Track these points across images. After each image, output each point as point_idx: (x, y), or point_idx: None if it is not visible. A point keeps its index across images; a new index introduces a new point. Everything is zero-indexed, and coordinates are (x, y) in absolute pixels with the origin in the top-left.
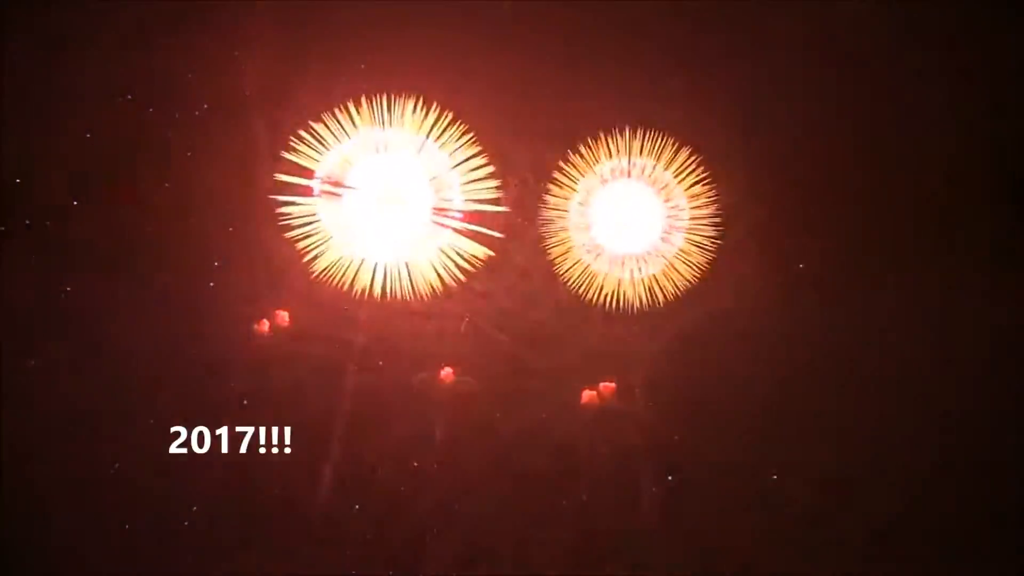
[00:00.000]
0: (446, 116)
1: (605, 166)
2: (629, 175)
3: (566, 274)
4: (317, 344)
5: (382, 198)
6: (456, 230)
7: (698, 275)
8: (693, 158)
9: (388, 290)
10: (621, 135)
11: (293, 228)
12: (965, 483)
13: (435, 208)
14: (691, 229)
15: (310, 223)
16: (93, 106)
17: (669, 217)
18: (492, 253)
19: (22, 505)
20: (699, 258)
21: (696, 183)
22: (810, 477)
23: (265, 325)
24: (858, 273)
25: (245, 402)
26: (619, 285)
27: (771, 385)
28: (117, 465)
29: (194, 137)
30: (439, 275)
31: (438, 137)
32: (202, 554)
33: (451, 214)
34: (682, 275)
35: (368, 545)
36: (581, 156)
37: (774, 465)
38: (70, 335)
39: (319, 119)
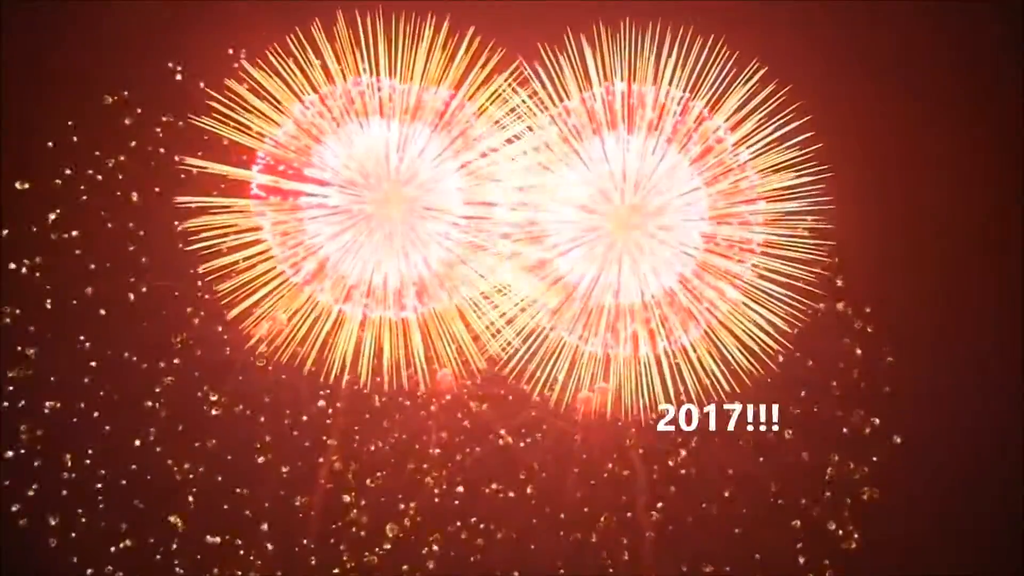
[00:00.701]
0: (495, 52)
1: (578, 105)
2: (629, 126)
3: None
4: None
5: (374, 202)
6: (507, 257)
7: (783, 353)
8: (773, 92)
9: (390, 377)
10: (613, 36)
11: (206, 255)
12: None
13: (467, 217)
14: (777, 245)
15: (242, 243)
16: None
17: (718, 220)
18: (579, 296)
19: (21, 505)
20: (784, 312)
21: (777, 141)
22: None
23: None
24: None
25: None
26: (593, 381)
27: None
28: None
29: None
30: (481, 344)
31: (474, 93)
32: (199, 552)
33: (500, 228)
34: (747, 351)
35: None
36: (526, 88)
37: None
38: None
39: (258, 59)
